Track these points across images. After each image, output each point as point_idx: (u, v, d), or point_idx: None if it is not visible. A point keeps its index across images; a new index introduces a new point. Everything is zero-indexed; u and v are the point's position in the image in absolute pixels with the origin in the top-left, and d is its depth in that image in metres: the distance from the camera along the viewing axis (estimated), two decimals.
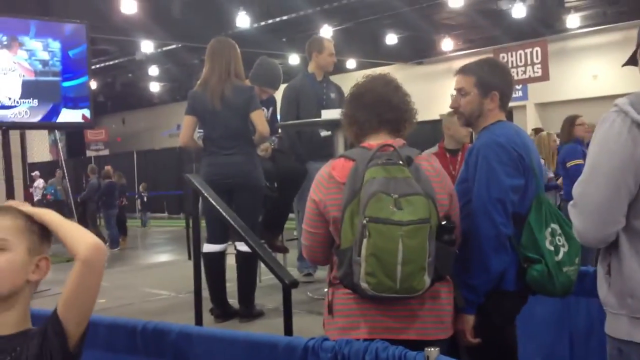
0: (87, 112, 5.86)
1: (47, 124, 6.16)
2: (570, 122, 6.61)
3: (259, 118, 4.32)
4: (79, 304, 1.62)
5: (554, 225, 2.42)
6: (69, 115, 5.77)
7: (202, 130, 4.54)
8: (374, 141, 2.32)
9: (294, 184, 5.00)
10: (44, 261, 1.64)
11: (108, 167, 14.48)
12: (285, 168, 4.97)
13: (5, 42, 5.51)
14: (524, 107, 20.79)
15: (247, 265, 4.31)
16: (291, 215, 5.46)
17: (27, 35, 5.60)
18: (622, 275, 1.84)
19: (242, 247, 4.13)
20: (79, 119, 5.87)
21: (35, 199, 20.22)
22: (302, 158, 5.25)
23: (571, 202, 1.89)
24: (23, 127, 6.52)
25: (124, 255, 12.74)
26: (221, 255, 4.41)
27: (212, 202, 3.43)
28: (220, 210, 3.36)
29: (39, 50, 5.66)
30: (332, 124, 4.25)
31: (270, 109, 5.26)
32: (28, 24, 5.73)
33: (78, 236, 1.62)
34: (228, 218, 3.35)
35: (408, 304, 2.21)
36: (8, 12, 7.98)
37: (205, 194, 3.48)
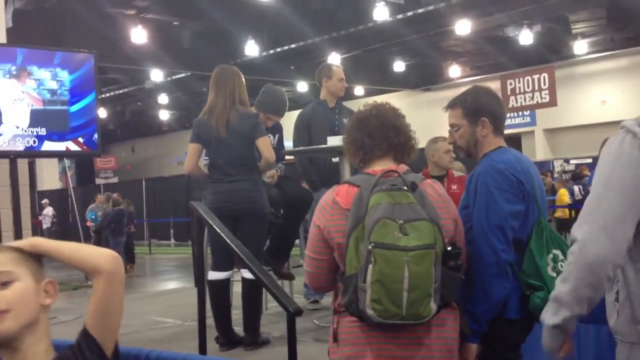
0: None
1: (53, 152, 6.17)
2: None
3: (265, 145, 4.33)
4: (112, 316, 1.66)
5: (556, 251, 2.39)
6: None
7: (207, 158, 4.55)
8: (378, 167, 2.31)
9: (301, 210, 4.98)
10: (50, 285, 1.66)
11: (116, 195, 14.50)
12: (291, 194, 4.95)
13: (14, 72, 5.57)
14: (532, 132, 20.78)
15: (252, 292, 4.28)
16: (296, 242, 5.43)
17: (35, 65, 5.66)
18: (630, 302, 1.80)
19: (247, 274, 4.10)
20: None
21: (44, 226, 20.29)
22: (315, 185, 5.24)
23: (577, 223, 1.81)
24: (29, 155, 6.56)
25: (131, 283, 12.69)
26: (226, 282, 4.39)
27: (216, 229, 3.41)
28: (225, 237, 3.35)
29: (47, 79, 5.72)
30: (337, 151, 4.24)
31: (277, 136, 5.27)
32: (37, 54, 5.80)
33: (92, 252, 1.65)
34: (232, 245, 3.33)
35: (414, 332, 2.17)
36: (19, 42, 8.09)
37: (210, 221, 3.47)
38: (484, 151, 2.56)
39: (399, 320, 2.06)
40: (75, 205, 12.63)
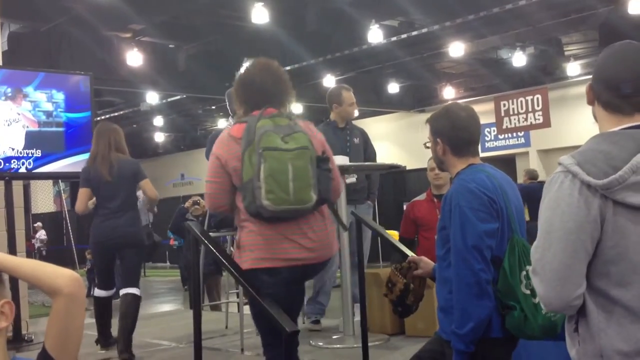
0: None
1: (49, 174, 6.16)
2: None
3: (149, 185, 5.09)
4: (72, 338, 1.60)
5: (530, 267, 2.38)
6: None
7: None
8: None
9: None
10: (7, 305, 1.57)
11: None
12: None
13: (9, 94, 5.58)
14: (527, 153, 20.86)
15: (134, 308, 5.05)
16: None
17: (31, 87, 5.67)
18: (590, 335, 1.75)
19: (129, 290, 5.07)
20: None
21: (36, 247, 20.12)
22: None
23: (531, 269, 1.82)
24: (25, 177, 6.54)
25: None
26: (110, 299, 5.32)
27: (212, 249, 3.42)
28: (222, 259, 3.35)
29: (43, 101, 5.73)
30: (342, 170, 4.26)
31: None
32: (33, 75, 5.81)
33: (52, 272, 1.58)
34: (227, 264, 3.33)
35: (304, 226, 2.83)
36: (14, 64, 8.10)
37: (206, 242, 3.48)
38: (452, 169, 2.60)
39: (288, 205, 2.72)
40: (70, 228, 12.57)
